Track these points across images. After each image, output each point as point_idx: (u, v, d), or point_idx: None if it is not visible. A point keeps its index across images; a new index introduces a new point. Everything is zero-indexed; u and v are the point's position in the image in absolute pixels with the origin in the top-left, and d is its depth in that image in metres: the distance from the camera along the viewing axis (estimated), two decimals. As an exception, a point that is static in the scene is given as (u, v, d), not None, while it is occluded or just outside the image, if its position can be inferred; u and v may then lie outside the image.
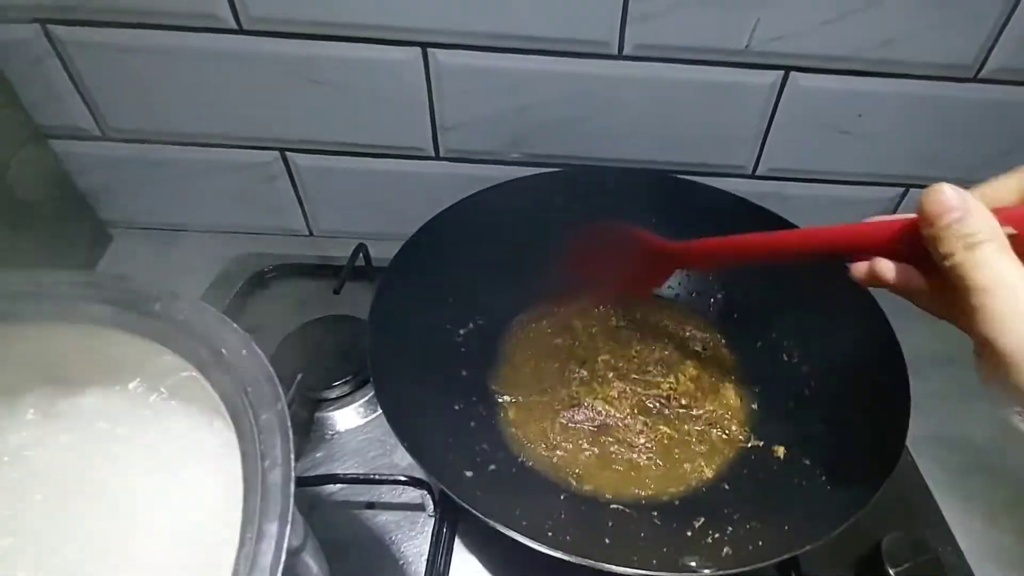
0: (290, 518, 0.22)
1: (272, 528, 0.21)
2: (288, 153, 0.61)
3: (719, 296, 0.59)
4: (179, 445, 0.30)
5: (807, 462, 0.44)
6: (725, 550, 0.39)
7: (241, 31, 0.53)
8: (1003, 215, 0.27)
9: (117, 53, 0.54)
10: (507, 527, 0.33)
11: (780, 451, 0.46)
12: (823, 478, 0.42)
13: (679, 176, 0.59)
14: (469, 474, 0.42)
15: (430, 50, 0.54)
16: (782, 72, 0.55)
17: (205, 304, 0.26)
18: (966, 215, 0.26)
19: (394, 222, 0.65)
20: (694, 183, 0.58)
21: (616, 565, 0.33)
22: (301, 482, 0.43)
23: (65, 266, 0.61)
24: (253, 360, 0.24)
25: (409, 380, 0.45)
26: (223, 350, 0.24)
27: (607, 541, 0.39)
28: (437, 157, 0.62)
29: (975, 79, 0.55)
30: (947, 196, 0.27)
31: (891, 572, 0.41)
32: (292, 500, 0.22)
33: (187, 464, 0.29)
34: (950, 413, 0.55)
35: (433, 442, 0.41)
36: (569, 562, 0.33)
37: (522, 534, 0.33)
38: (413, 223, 0.52)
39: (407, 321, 0.49)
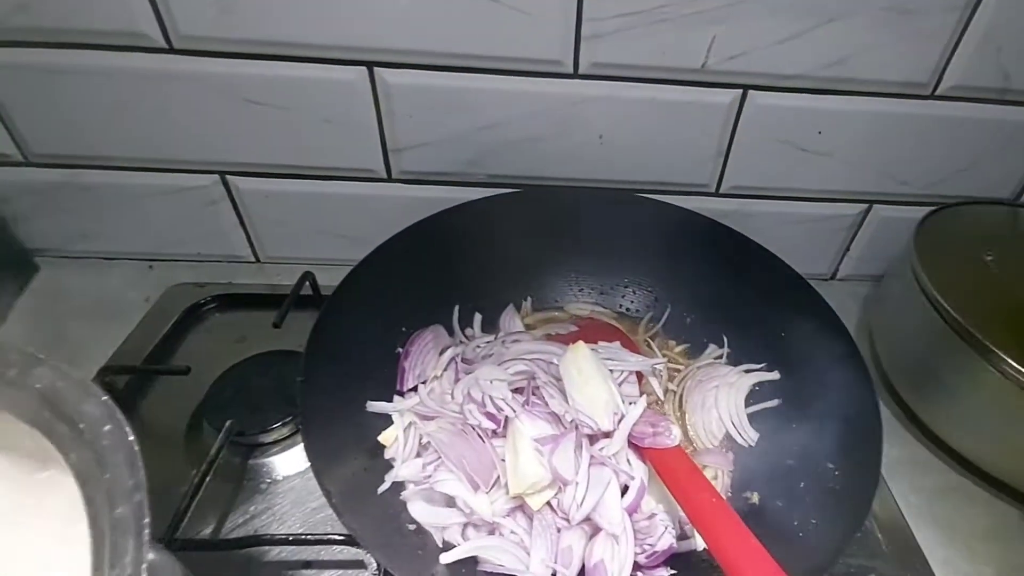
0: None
1: None
2: (229, 176, 0.58)
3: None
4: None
5: (779, 504, 0.42)
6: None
7: (171, 50, 0.50)
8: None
9: (39, 74, 0.51)
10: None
11: (755, 497, 0.44)
12: (795, 523, 0.39)
13: (640, 194, 0.57)
14: (413, 527, 0.38)
15: (377, 69, 0.51)
16: (740, 91, 0.54)
17: (69, 369, 0.22)
18: None
19: (348, 247, 0.62)
20: (656, 201, 0.56)
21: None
22: (221, 545, 0.39)
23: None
24: (116, 436, 0.20)
25: (351, 422, 0.42)
26: (81, 425, 0.20)
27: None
28: (389, 179, 0.59)
29: (933, 96, 0.55)
30: None
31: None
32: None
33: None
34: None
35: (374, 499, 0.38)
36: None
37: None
38: (367, 247, 0.49)
39: (355, 354, 0.46)
